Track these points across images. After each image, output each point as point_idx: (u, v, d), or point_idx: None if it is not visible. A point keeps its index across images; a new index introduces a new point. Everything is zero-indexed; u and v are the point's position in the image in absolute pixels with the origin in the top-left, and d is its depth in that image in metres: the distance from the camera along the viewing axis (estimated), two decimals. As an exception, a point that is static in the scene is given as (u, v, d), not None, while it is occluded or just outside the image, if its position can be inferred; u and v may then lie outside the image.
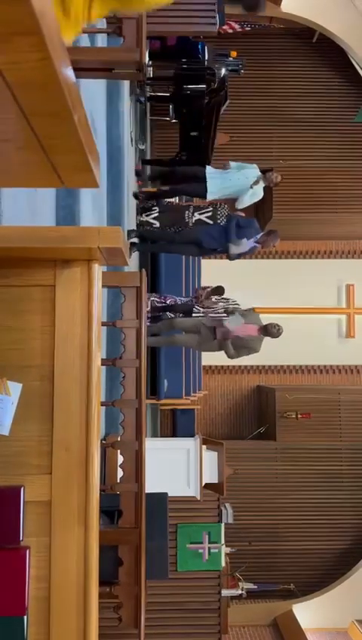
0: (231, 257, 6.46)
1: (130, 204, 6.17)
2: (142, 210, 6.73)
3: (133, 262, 6.76)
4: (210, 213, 6.58)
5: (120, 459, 3.47)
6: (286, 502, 9.90)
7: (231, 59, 8.53)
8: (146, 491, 3.38)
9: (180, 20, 5.91)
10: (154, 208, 6.71)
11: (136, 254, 6.90)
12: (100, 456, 2.27)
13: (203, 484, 5.58)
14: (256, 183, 6.53)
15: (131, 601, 3.30)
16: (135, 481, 3.35)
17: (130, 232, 6.36)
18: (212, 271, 9.26)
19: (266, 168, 7.11)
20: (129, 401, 3.45)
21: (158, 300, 6.65)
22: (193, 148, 8.05)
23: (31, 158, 1.06)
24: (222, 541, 6.07)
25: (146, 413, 4.15)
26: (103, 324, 2.90)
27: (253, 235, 6.38)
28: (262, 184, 6.57)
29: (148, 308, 6.32)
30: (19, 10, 0.66)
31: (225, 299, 6.63)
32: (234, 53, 8.65)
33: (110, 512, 4.11)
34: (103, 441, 4.17)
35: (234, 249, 6.28)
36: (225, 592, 6.46)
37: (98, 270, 1.80)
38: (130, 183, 6.32)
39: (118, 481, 3.61)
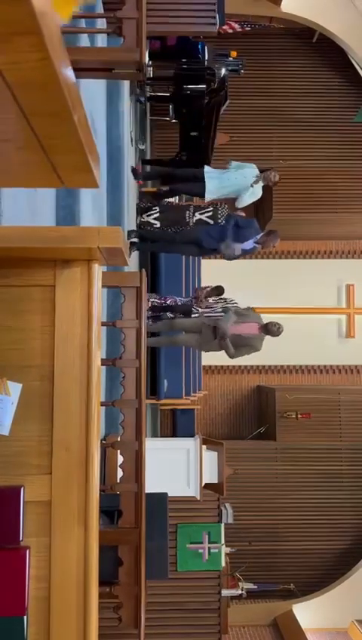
0: (225, 257, 6.45)
1: (130, 204, 6.17)
2: (142, 210, 6.73)
3: (133, 262, 6.76)
4: (210, 213, 6.58)
5: (120, 459, 3.47)
6: (286, 502, 9.90)
7: (231, 59, 8.53)
8: (146, 491, 3.38)
9: (180, 20, 5.90)
10: (154, 208, 6.71)
11: (136, 254, 6.90)
12: (100, 456, 2.27)
13: (203, 484, 5.58)
14: (256, 182, 6.53)
15: (131, 601, 3.30)
16: (135, 481, 3.35)
17: (130, 233, 6.36)
18: (212, 271, 9.26)
19: (265, 168, 7.12)
20: (129, 401, 3.45)
21: (158, 301, 6.65)
22: (193, 148, 8.05)
23: (31, 158, 1.06)
24: (222, 541, 6.07)
25: (146, 413, 4.15)
26: (103, 324, 2.90)
27: (253, 235, 6.38)
28: (261, 183, 6.58)
29: (149, 305, 6.32)
30: (19, 10, 0.66)
31: (222, 299, 6.64)
32: (234, 53, 8.65)
33: (110, 512, 4.11)
34: (103, 441, 4.17)
35: (223, 249, 6.27)
36: (225, 592, 6.46)
37: (98, 270, 1.80)
38: (130, 183, 6.32)
39: (118, 481, 3.60)
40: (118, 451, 3.52)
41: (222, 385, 11.20)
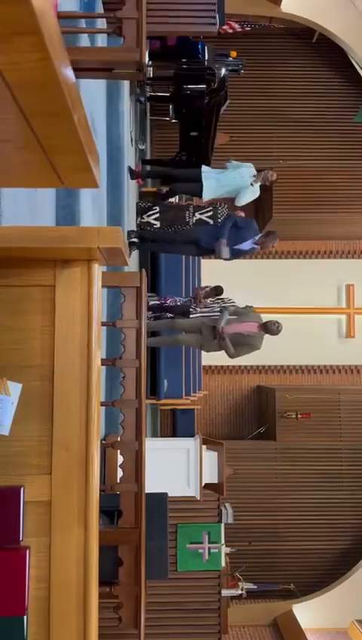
0: (221, 257, 6.44)
1: (130, 204, 6.17)
2: (142, 210, 6.73)
3: (133, 262, 6.76)
4: (210, 213, 6.58)
5: (120, 459, 3.46)
6: (286, 502, 9.90)
7: (231, 59, 8.52)
8: (146, 491, 3.38)
9: (180, 20, 5.89)
10: (154, 208, 6.71)
11: (136, 254, 6.90)
12: (100, 456, 2.27)
13: (203, 484, 5.58)
14: (255, 181, 6.54)
15: (131, 601, 3.30)
16: (135, 481, 3.35)
17: (130, 233, 6.36)
18: (212, 271, 9.26)
19: (263, 167, 7.12)
20: (129, 401, 3.45)
21: (157, 302, 6.65)
22: (193, 148, 8.05)
23: (31, 158, 1.06)
24: (222, 541, 6.07)
25: (146, 413, 4.15)
26: (103, 324, 2.90)
27: (252, 236, 6.38)
28: (258, 182, 6.58)
29: (149, 304, 6.32)
30: (19, 10, 0.66)
31: (220, 299, 6.64)
32: (234, 53, 8.65)
33: (110, 512, 4.11)
34: (103, 441, 4.17)
35: (216, 248, 6.27)
36: (225, 592, 6.46)
37: (98, 270, 1.80)
38: (130, 183, 6.32)
39: (118, 481, 3.60)
40: (118, 451, 3.52)
41: (222, 385, 11.20)
